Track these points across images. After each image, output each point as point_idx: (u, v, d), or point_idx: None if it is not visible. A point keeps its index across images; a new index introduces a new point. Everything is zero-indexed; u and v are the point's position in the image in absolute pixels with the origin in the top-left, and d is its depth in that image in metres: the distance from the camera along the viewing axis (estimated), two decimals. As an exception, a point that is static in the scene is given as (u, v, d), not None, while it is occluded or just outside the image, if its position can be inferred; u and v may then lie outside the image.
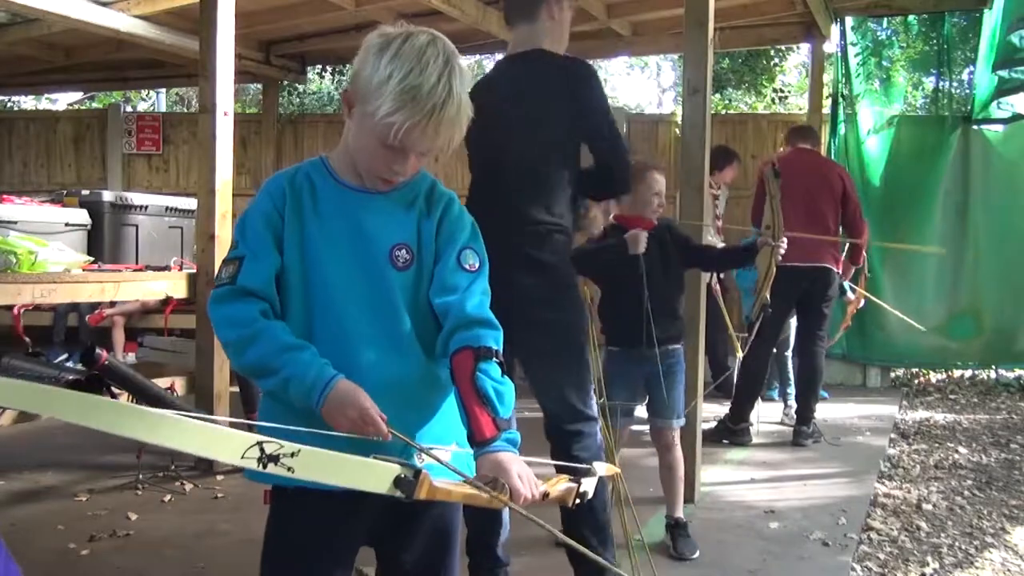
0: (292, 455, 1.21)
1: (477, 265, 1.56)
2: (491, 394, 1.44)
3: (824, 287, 5.01)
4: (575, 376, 2.63)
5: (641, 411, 3.48)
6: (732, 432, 5.04)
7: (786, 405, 5.69)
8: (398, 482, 1.28)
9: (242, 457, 1.17)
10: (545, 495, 1.44)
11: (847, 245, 5.29)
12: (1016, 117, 6.77)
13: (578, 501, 1.51)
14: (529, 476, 1.41)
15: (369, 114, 1.44)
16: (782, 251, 3.21)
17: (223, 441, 1.16)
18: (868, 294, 5.99)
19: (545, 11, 2.73)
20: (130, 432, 1.09)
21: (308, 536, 1.53)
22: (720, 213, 6.29)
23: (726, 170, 6.32)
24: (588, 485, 1.53)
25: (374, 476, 1.28)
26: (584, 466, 1.60)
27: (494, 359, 1.47)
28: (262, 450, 1.18)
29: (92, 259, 4.29)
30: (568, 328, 2.63)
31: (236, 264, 1.47)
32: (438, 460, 1.37)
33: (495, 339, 1.50)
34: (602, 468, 1.70)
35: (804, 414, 5.07)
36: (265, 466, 1.19)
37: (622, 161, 2.73)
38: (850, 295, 5.89)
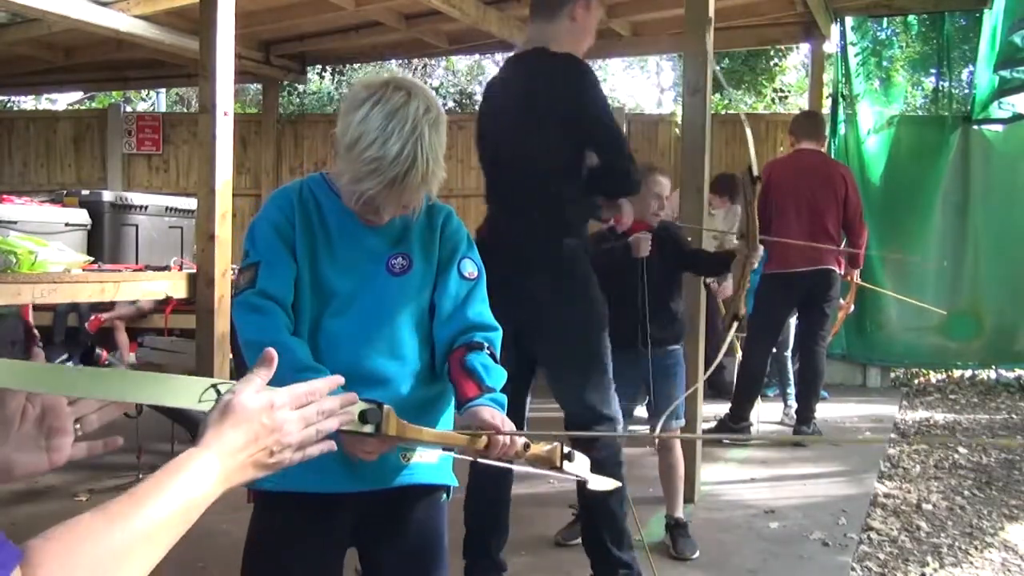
0: None
1: (476, 273, 1.62)
2: (477, 367, 1.51)
3: (826, 288, 5.00)
4: (592, 377, 2.61)
5: (640, 411, 3.48)
6: (732, 431, 5.04)
7: (786, 405, 5.68)
8: (364, 416, 1.25)
9: (199, 401, 1.18)
10: (526, 446, 1.48)
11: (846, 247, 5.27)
12: (1016, 117, 6.77)
13: (565, 462, 1.53)
14: (508, 425, 1.44)
15: (341, 172, 1.48)
16: (755, 261, 3.10)
17: (182, 388, 1.11)
18: (879, 288, 5.98)
19: (568, 11, 2.65)
20: (90, 393, 1.09)
21: (287, 538, 1.54)
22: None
23: (726, 198, 6.05)
24: (571, 449, 1.56)
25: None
26: (581, 477, 1.60)
27: (484, 350, 1.54)
28: (218, 392, 1.18)
29: (92, 259, 4.28)
30: (583, 328, 2.62)
31: (253, 270, 1.51)
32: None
33: (487, 338, 1.56)
34: (603, 483, 1.70)
35: (804, 414, 5.08)
36: None
37: (625, 159, 2.67)
38: (841, 300, 5.87)
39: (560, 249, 2.60)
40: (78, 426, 1.12)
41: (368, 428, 1.26)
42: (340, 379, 1.11)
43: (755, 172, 3.20)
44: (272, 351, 1.06)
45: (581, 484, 2.53)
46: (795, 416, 5.21)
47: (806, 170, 5.05)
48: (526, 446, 1.49)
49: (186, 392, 1.04)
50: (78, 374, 1.08)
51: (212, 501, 0.94)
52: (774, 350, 5.43)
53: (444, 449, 1.51)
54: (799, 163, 5.10)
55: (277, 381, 1.42)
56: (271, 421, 0.98)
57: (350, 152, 1.44)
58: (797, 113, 5.83)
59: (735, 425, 5.04)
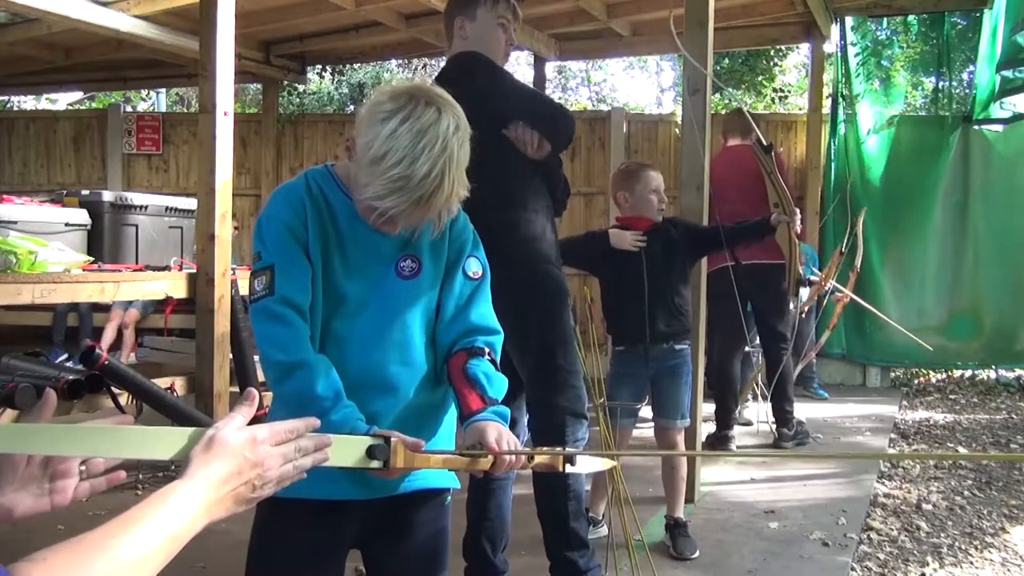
0: None
1: (480, 272, 1.60)
2: (480, 377, 1.50)
3: (766, 283, 4.78)
4: (545, 371, 2.51)
5: (644, 411, 3.48)
6: (722, 440, 4.92)
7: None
8: (372, 452, 1.27)
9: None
10: (530, 459, 1.49)
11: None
12: (1016, 117, 6.77)
13: (568, 467, 1.53)
14: (511, 440, 1.43)
15: (361, 184, 1.42)
16: (798, 224, 3.08)
17: (176, 439, 1.02)
18: (856, 297, 5.94)
19: (457, 30, 2.64)
20: (82, 451, 1.06)
21: (293, 544, 1.54)
22: None
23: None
24: (576, 455, 1.58)
25: (351, 451, 1.26)
26: (581, 471, 1.61)
27: (485, 356, 1.53)
28: None
29: (92, 259, 4.29)
30: (526, 318, 2.47)
31: (269, 274, 1.46)
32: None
33: (488, 342, 1.55)
34: (595, 464, 1.71)
35: (781, 416, 4.96)
36: None
37: (544, 103, 2.65)
38: (813, 277, 5.68)
39: (488, 228, 2.52)
40: (83, 467, 1.11)
41: (376, 464, 1.26)
42: (316, 421, 1.12)
43: (764, 142, 3.20)
44: (254, 392, 1.09)
45: (539, 494, 2.58)
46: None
47: (735, 165, 4.88)
48: (530, 458, 1.49)
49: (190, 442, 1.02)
50: (73, 432, 1.04)
51: (195, 533, 0.94)
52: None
53: (451, 470, 1.51)
54: (729, 159, 5.01)
55: (294, 402, 1.42)
56: (254, 455, 1.00)
57: (374, 167, 1.37)
58: (726, 113, 5.72)
59: (720, 433, 4.94)
